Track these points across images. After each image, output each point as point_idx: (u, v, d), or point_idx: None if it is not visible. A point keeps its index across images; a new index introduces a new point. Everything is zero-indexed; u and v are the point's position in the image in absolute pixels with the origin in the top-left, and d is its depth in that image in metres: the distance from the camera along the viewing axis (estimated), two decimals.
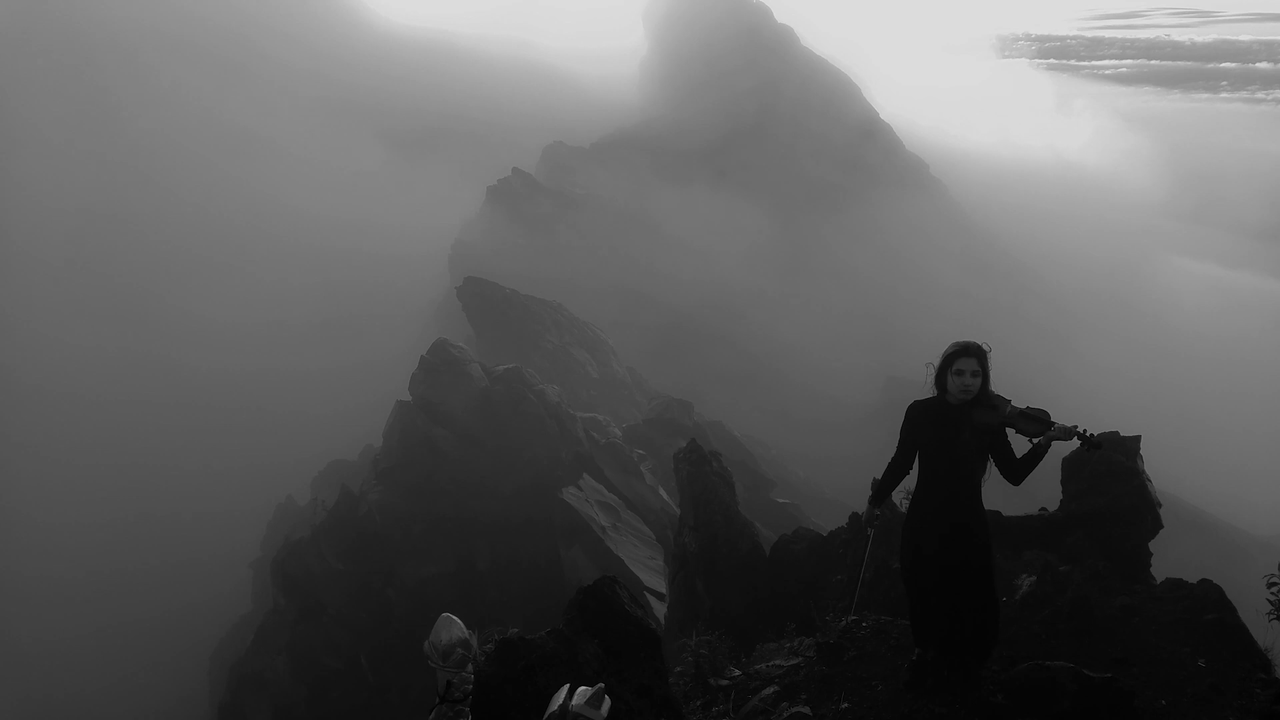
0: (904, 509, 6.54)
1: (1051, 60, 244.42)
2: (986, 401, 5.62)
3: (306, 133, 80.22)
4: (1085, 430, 5.50)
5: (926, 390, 5.79)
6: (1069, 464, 9.88)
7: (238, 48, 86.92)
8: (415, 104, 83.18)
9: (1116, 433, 9.75)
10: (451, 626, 3.96)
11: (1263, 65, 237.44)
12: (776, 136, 67.08)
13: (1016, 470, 5.63)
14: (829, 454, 41.39)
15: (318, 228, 67.36)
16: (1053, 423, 5.48)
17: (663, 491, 28.39)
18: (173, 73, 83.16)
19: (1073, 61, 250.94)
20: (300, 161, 75.78)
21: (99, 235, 68.08)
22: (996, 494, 5.81)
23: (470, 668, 3.96)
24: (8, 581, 43.12)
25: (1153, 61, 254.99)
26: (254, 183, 72.83)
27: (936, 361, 5.71)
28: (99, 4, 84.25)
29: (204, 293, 63.41)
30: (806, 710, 6.55)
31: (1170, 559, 10.80)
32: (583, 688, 3.71)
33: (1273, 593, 6.55)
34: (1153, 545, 9.27)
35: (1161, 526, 9.34)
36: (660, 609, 18.79)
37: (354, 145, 78.82)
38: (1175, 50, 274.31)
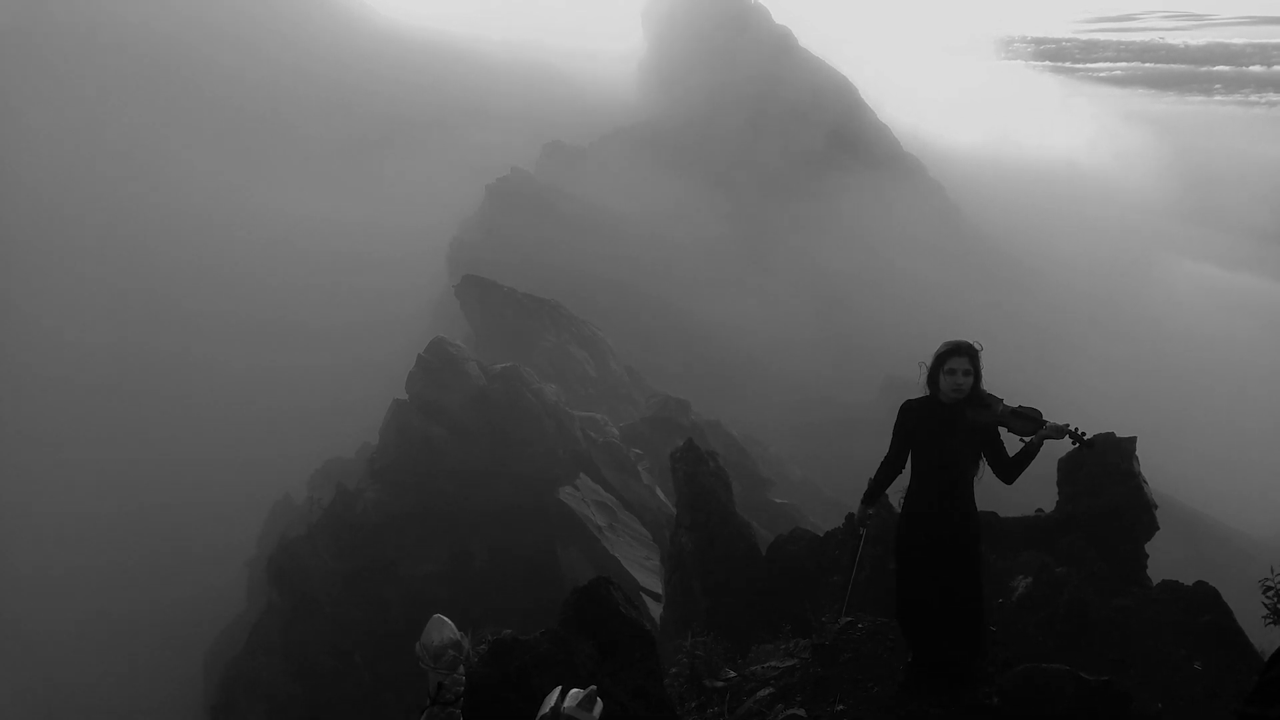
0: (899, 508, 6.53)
1: (1048, 62, 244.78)
2: (979, 400, 5.64)
3: (305, 131, 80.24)
4: (1077, 429, 5.51)
5: (920, 390, 5.79)
6: (1065, 465, 9.85)
7: (237, 47, 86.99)
8: (414, 102, 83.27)
9: (1113, 434, 9.71)
10: (443, 628, 3.93)
11: (1256, 68, 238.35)
12: (775, 137, 67.07)
13: (1009, 469, 5.64)
14: (827, 454, 41.39)
15: (315, 225, 67.34)
16: (1044, 421, 5.49)
17: (659, 491, 28.37)
18: (173, 72, 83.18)
19: (1068, 64, 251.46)
20: (299, 159, 75.76)
21: (98, 231, 68.07)
22: (993, 495, 5.80)
23: (462, 669, 3.93)
24: (3, 574, 43.02)
25: (1147, 64, 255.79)
26: (254, 180, 72.80)
27: (929, 361, 5.72)
28: (99, 4, 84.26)
29: (202, 290, 63.32)
30: (802, 712, 6.53)
31: (1166, 561, 10.77)
32: (575, 690, 3.69)
33: (1268, 597, 6.53)
34: (1149, 547, 9.24)
35: (1158, 528, 9.31)
36: (656, 610, 18.75)
37: (353, 143, 78.82)
38: (1169, 53, 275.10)
